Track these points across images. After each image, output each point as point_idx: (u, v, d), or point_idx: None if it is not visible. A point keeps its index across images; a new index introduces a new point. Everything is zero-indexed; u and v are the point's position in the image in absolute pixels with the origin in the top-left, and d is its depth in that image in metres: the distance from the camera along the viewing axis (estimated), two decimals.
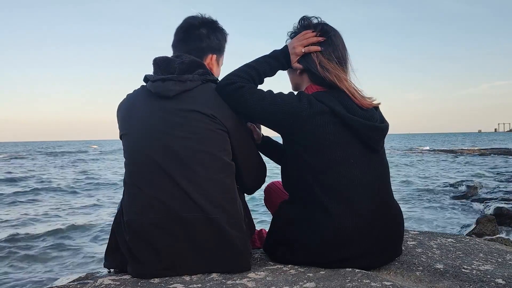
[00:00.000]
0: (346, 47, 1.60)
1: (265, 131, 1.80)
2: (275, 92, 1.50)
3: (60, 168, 21.98)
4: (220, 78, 1.71)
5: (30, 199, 10.59)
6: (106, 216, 7.96)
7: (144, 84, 1.57)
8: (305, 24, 1.61)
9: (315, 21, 1.61)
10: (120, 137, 1.56)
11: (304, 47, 1.55)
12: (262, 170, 1.66)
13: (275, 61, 1.58)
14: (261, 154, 1.71)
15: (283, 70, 1.65)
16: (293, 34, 1.64)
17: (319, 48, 1.55)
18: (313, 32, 1.57)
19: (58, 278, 4.43)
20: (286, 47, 1.60)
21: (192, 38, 1.63)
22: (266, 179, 1.72)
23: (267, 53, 1.60)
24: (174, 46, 1.66)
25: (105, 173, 18.36)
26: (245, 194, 1.72)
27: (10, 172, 18.42)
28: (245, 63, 1.57)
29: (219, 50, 1.69)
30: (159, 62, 1.54)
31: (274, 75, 1.62)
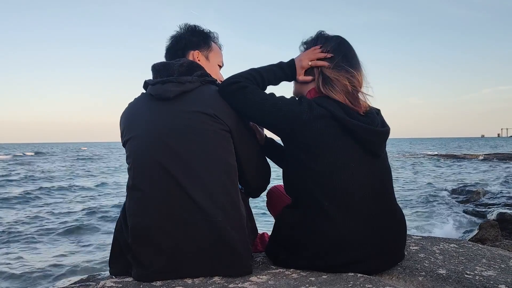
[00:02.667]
0: (357, 58, 1.62)
1: (269, 133, 1.81)
2: (277, 95, 1.51)
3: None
4: (217, 75, 1.73)
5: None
6: (110, 216, 7.97)
7: (144, 91, 1.58)
8: (317, 38, 1.66)
9: (328, 36, 1.64)
10: (123, 145, 1.56)
11: (311, 61, 1.59)
12: (266, 171, 1.66)
13: (281, 71, 1.62)
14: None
15: (288, 81, 1.68)
16: (305, 45, 1.69)
17: (326, 64, 1.57)
18: (320, 47, 1.60)
19: (60, 280, 4.43)
20: (293, 60, 1.64)
21: (174, 46, 1.69)
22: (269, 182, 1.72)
23: (274, 62, 1.64)
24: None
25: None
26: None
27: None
28: (250, 67, 1.60)
29: (198, 45, 1.70)
30: (157, 67, 1.56)
31: (278, 85, 1.65)
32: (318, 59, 1.59)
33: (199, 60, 1.68)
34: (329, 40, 1.63)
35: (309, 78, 1.61)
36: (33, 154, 46.32)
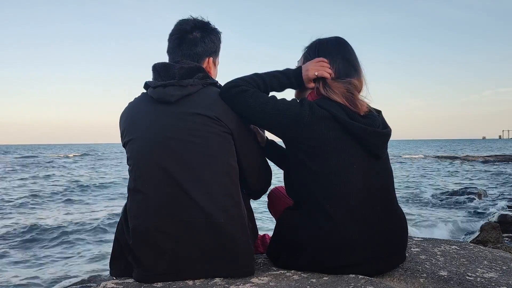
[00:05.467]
0: (357, 60, 1.62)
1: (271, 135, 1.81)
2: (278, 98, 1.51)
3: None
4: (216, 78, 1.70)
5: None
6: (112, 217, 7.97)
7: (145, 91, 1.57)
8: (319, 46, 1.65)
9: (328, 40, 1.65)
10: (124, 145, 1.56)
11: (317, 72, 1.56)
12: (267, 173, 1.66)
13: (286, 78, 1.59)
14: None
15: (293, 89, 1.66)
16: (307, 49, 1.68)
17: (331, 75, 1.56)
18: (328, 62, 1.59)
19: (62, 281, 4.43)
20: (300, 68, 1.61)
21: (186, 43, 1.59)
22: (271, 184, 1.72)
23: (280, 69, 1.62)
24: (170, 52, 1.63)
25: None
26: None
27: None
28: (251, 68, 1.59)
29: (214, 52, 1.66)
30: (158, 68, 1.53)
31: (282, 91, 1.64)
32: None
33: (210, 67, 1.64)
34: (330, 43, 1.63)
35: (313, 85, 1.60)
36: (80, 154, 47.39)
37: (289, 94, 1.73)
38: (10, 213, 8.81)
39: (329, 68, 1.58)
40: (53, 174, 19.19)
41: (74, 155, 44.95)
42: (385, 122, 1.58)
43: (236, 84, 1.50)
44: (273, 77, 1.58)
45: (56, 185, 14.35)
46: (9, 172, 20.69)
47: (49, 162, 30.55)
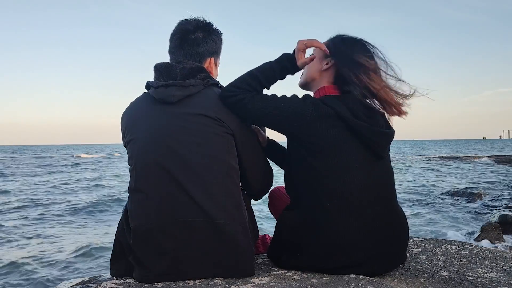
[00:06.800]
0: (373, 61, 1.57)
1: (272, 135, 1.80)
2: (279, 95, 1.50)
3: None
4: (217, 78, 1.70)
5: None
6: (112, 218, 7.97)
7: (146, 91, 1.57)
8: (344, 39, 1.61)
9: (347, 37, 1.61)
10: (125, 145, 1.56)
11: (306, 42, 1.52)
12: (268, 174, 1.66)
13: (279, 66, 1.55)
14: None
15: (291, 74, 1.60)
16: (329, 40, 1.63)
17: (323, 46, 1.53)
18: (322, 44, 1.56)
19: (61, 282, 4.43)
20: (293, 53, 1.56)
21: (188, 43, 1.59)
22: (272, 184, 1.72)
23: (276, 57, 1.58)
24: (171, 52, 1.63)
25: None
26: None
27: None
28: (248, 70, 1.55)
29: (216, 52, 1.67)
30: (160, 69, 1.53)
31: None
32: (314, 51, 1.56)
33: (211, 67, 1.65)
34: (353, 39, 1.60)
35: (309, 59, 1.55)
36: (105, 155, 47.22)
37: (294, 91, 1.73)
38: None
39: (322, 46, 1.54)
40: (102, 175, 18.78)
41: (101, 156, 44.67)
42: (388, 122, 1.58)
43: (231, 93, 1.48)
44: (268, 70, 1.53)
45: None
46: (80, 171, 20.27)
47: (64, 160, 30.17)
